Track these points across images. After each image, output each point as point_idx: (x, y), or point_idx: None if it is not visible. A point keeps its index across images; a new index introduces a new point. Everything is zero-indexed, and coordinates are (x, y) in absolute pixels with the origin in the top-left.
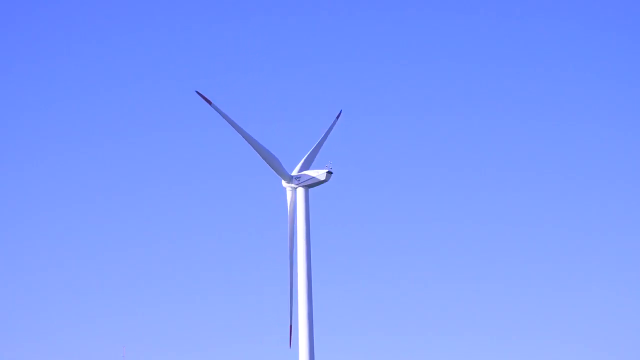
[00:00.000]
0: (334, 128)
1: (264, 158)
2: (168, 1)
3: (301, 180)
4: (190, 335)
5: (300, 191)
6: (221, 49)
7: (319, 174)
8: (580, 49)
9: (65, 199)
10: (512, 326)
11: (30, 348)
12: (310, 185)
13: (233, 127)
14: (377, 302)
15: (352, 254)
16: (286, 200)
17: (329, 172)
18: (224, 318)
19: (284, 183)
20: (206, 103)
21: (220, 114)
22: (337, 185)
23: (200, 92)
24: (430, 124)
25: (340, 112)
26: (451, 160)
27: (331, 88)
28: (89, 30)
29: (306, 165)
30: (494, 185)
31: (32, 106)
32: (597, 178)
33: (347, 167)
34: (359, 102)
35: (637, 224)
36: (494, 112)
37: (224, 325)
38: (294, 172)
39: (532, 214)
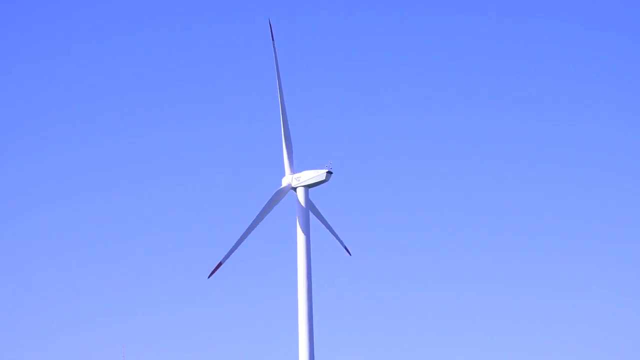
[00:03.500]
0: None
1: (285, 143)
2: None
3: (301, 180)
4: (190, 335)
5: (300, 191)
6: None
7: (319, 174)
8: (580, 49)
9: (65, 199)
10: (512, 326)
11: (30, 348)
12: (310, 185)
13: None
14: (377, 302)
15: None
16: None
17: (329, 172)
18: (223, 318)
19: (284, 181)
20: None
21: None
22: (337, 185)
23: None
24: (430, 124)
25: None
26: (451, 160)
27: (331, 88)
28: (89, 30)
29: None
30: (494, 185)
31: (32, 106)
32: (597, 178)
33: (347, 167)
34: (358, 101)
35: (637, 224)
36: (494, 112)
37: (224, 325)
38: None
39: (532, 214)
